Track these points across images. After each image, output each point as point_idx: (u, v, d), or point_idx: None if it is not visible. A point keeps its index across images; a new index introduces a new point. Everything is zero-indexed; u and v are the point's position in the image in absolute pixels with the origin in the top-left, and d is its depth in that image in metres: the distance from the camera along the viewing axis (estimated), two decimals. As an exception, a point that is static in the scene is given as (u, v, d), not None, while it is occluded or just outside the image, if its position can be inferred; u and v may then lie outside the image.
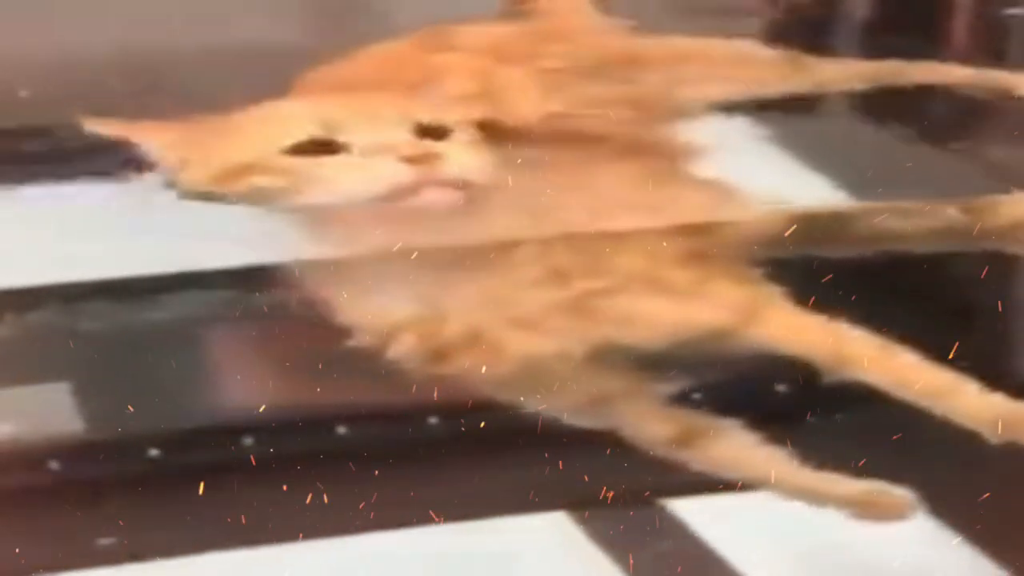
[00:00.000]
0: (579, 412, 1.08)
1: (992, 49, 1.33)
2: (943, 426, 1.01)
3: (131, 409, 1.41)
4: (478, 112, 1.03)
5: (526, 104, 1.07)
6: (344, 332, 1.04)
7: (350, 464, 1.42)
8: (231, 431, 1.45)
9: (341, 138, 0.96)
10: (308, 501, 1.38)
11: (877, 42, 1.31)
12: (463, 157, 0.97)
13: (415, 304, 1.01)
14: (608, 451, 1.34)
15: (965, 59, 1.30)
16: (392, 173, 0.95)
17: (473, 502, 1.39)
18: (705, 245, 1.04)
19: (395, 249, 0.98)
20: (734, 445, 1.10)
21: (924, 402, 1.01)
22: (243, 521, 1.39)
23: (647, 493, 1.39)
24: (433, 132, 0.98)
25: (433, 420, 1.48)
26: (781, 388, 1.40)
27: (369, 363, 1.04)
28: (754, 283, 1.04)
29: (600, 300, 1.01)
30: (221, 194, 0.98)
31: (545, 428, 1.44)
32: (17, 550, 1.32)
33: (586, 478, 1.37)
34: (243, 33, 1.35)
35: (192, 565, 1.37)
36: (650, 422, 1.09)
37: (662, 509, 1.41)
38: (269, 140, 0.97)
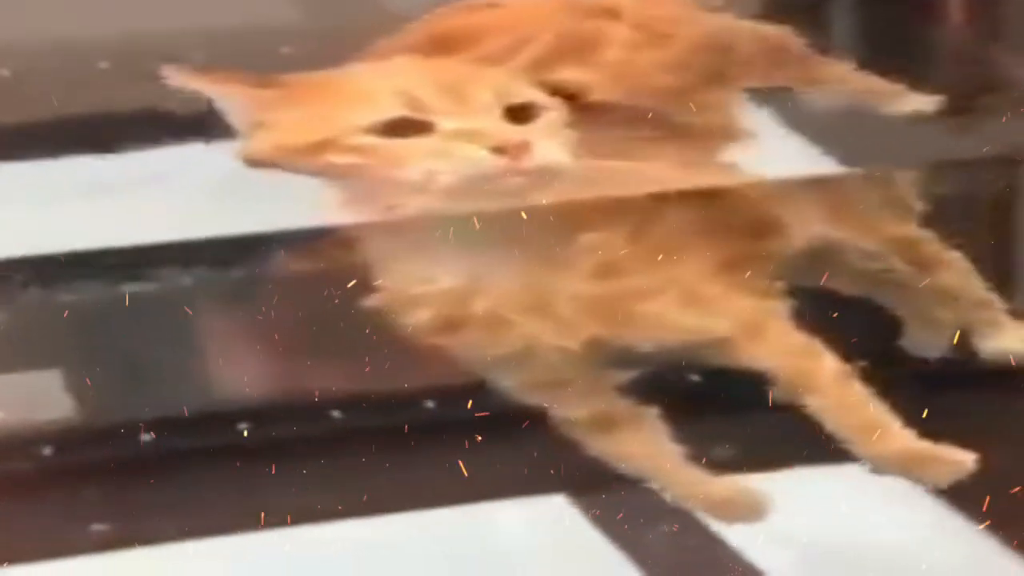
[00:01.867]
0: (524, 389, 1.06)
1: (988, 25, 1.32)
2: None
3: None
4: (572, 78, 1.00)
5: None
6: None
7: (346, 448, 1.42)
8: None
9: (428, 119, 0.92)
10: (301, 485, 1.38)
11: (872, 15, 1.30)
12: (551, 147, 0.93)
13: (455, 275, 0.98)
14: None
15: (963, 36, 1.29)
16: (478, 163, 0.91)
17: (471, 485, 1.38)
18: (740, 250, 1.03)
19: (456, 218, 0.96)
20: (644, 435, 1.08)
21: (849, 438, 1.03)
22: (237, 506, 1.39)
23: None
24: (522, 113, 0.94)
25: (429, 404, 1.48)
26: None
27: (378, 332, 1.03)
28: (767, 296, 1.04)
29: (630, 301, 1.00)
30: (286, 165, 0.94)
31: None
32: (9, 537, 1.32)
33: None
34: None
35: (186, 551, 1.36)
36: (580, 405, 1.07)
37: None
38: (350, 116, 0.93)
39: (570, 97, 0.99)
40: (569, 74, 1.00)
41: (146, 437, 1.46)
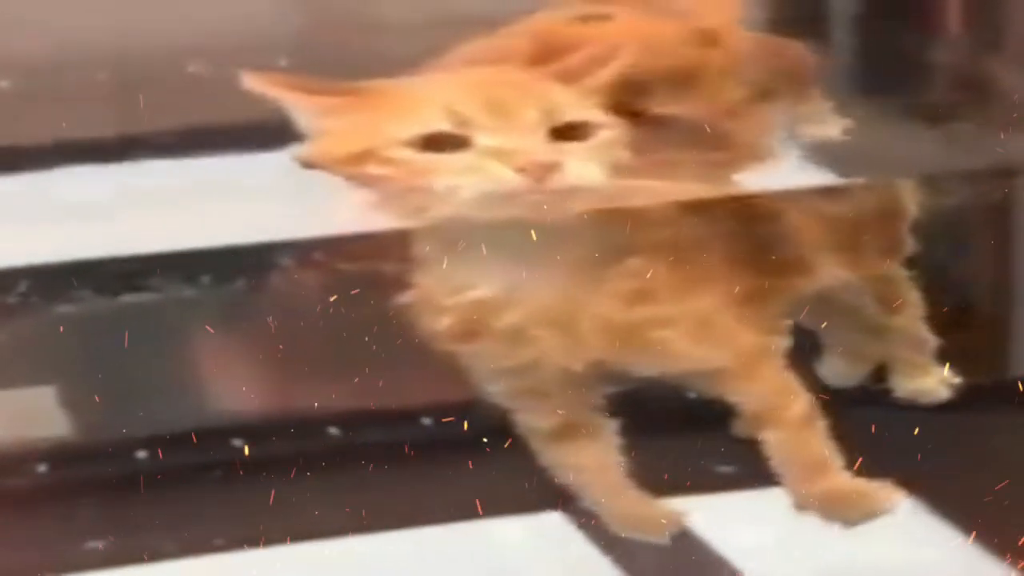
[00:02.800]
0: (506, 395, 1.06)
1: (984, 33, 1.32)
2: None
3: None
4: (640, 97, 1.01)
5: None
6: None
7: (344, 465, 1.42)
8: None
9: (468, 134, 0.93)
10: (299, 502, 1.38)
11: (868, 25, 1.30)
12: (585, 167, 0.94)
13: (493, 287, 0.99)
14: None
15: (956, 43, 1.30)
16: (500, 181, 0.92)
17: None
18: (762, 285, 1.04)
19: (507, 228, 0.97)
20: (598, 447, 1.09)
21: (789, 477, 1.05)
22: (235, 523, 1.39)
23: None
24: (572, 132, 0.95)
25: (426, 420, 1.48)
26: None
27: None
28: (771, 332, 1.05)
29: (651, 329, 1.00)
30: (333, 171, 0.96)
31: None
32: (4, 554, 1.31)
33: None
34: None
35: (181, 568, 1.36)
36: (551, 415, 1.08)
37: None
38: (394, 128, 0.94)
39: (638, 115, 1.00)
40: (644, 96, 1.01)
41: (142, 454, 1.46)
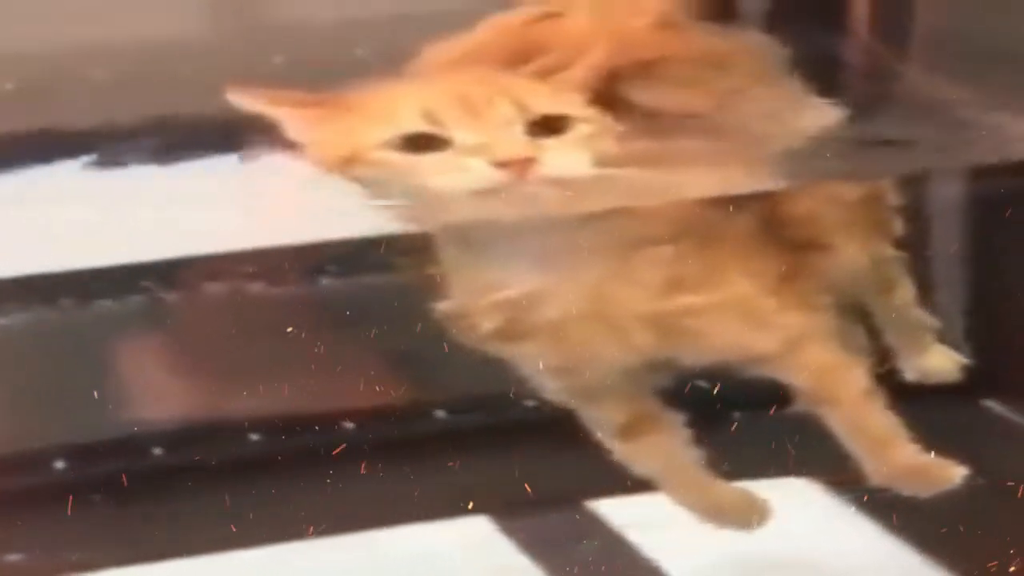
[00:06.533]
0: (567, 394, 1.08)
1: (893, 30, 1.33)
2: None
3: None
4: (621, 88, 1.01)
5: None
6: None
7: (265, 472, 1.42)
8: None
9: (445, 134, 0.94)
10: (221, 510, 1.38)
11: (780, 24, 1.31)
12: (564, 158, 0.95)
13: (524, 284, 1.00)
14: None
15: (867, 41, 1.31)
16: (481, 176, 0.93)
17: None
18: (794, 264, 1.06)
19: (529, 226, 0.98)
20: (667, 440, 1.11)
21: (862, 453, 1.07)
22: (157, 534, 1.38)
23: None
24: (550, 125, 0.96)
25: (349, 425, 1.48)
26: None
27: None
28: (815, 310, 1.06)
29: (691, 317, 1.02)
30: (335, 175, 0.98)
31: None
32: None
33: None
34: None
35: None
36: (615, 410, 1.10)
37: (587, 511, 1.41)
38: (373, 132, 0.96)
39: (623, 106, 1.00)
40: (627, 87, 1.02)
41: (59, 464, 1.45)
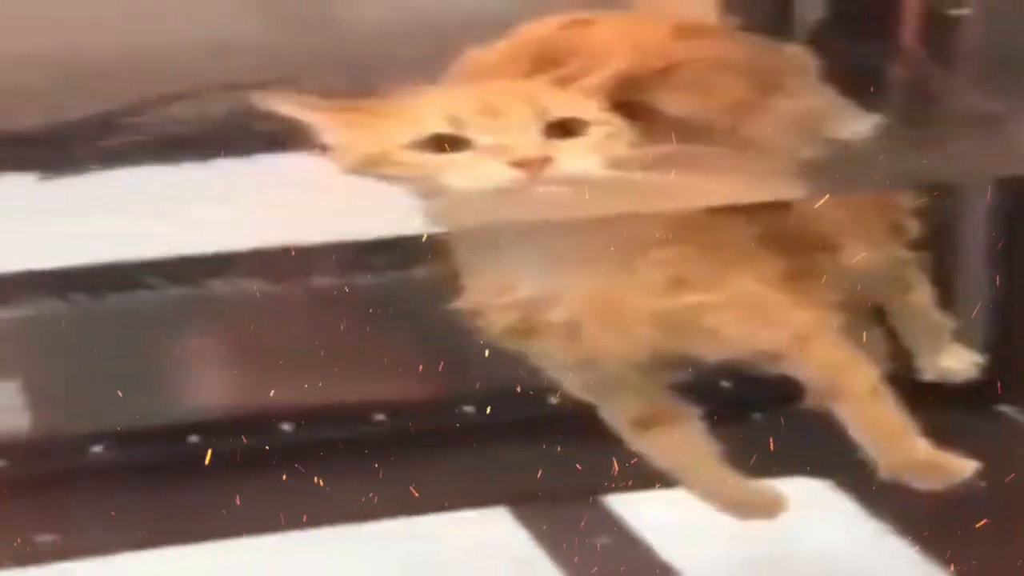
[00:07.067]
0: (583, 389, 1.11)
1: (940, 50, 1.34)
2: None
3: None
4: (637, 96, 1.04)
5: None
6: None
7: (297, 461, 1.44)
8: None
9: (466, 135, 0.99)
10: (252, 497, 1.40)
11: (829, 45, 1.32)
12: (578, 159, 0.98)
13: (536, 284, 1.03)
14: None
15: (914, 60, 1.31)
16: (498, 176, 0.96)
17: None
18: (800, 263, 1.08)
19: (538, 228, 1.02)
20: (685, 434, 1.13)
21: (872, 446, 1.08)
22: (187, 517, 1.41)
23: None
24: (567, 128, 0.99)
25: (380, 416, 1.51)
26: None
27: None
28: (822, 308, 1.08)
29: (698, 315, 1.04)
30: (369, 175, 1.02)
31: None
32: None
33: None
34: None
35: (134, 563, 1.37)
36: (631, 404, 1.12)
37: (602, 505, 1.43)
38: (397, 134, 1.00)
39: (648, 113, 1.03)
40: (647, 93, 1.05)
41: (96, 449, 1.48)
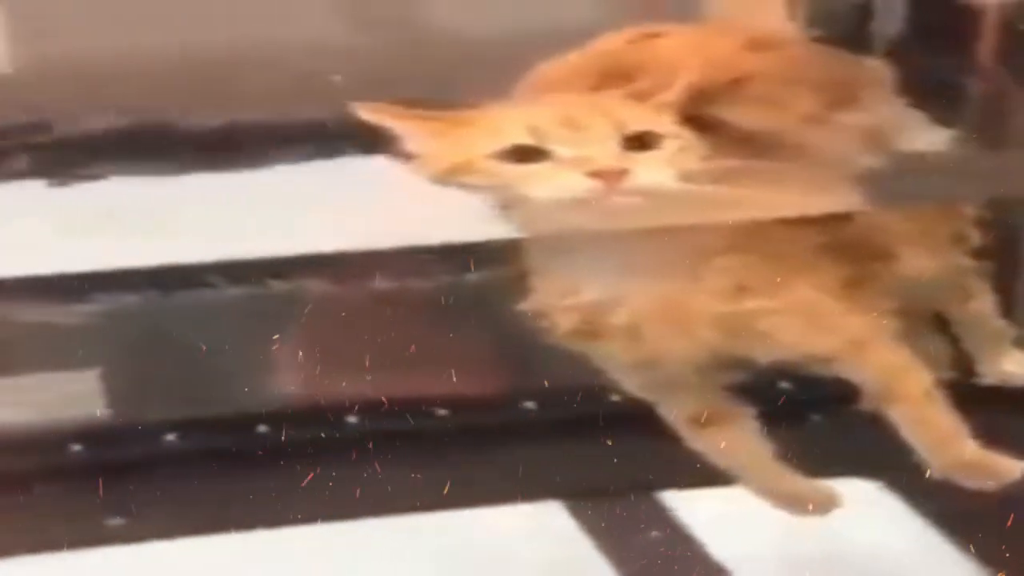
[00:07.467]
0: (643, 389, 1.14)
1: (1017, 65, 1.36)
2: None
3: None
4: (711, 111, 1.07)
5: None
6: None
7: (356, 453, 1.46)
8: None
9: (546, 147, 1.02)
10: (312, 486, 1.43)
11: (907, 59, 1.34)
12: (652, 172, 1.01)
13: (600, 289, 1.07)
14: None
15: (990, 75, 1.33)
16: (576, 186, 1.00)
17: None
18: (858, 271, 1.11)
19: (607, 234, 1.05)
20: (740, 432, 1.16)
21: (925, 447, 1.11)
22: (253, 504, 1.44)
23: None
24: (642, 141, 1.03)
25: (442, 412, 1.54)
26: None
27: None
28: (879, 314, 1.11)
29: (757, 320, 1.08)
30: (448, 183, 1.05)
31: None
32: (39, 524, 1.38)
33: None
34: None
35: (199, 546, 1.41)
36: (689, 404, 1.15)
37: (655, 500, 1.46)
38: (480, 144, 1.04)
39: (717, 125, 1.07)
40: (718, 106, 1.07)
41: (169, 437, 1.52)
